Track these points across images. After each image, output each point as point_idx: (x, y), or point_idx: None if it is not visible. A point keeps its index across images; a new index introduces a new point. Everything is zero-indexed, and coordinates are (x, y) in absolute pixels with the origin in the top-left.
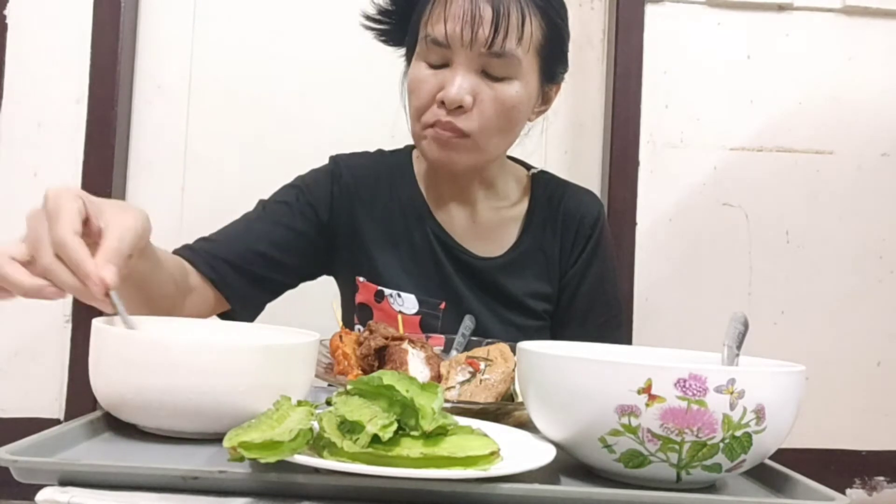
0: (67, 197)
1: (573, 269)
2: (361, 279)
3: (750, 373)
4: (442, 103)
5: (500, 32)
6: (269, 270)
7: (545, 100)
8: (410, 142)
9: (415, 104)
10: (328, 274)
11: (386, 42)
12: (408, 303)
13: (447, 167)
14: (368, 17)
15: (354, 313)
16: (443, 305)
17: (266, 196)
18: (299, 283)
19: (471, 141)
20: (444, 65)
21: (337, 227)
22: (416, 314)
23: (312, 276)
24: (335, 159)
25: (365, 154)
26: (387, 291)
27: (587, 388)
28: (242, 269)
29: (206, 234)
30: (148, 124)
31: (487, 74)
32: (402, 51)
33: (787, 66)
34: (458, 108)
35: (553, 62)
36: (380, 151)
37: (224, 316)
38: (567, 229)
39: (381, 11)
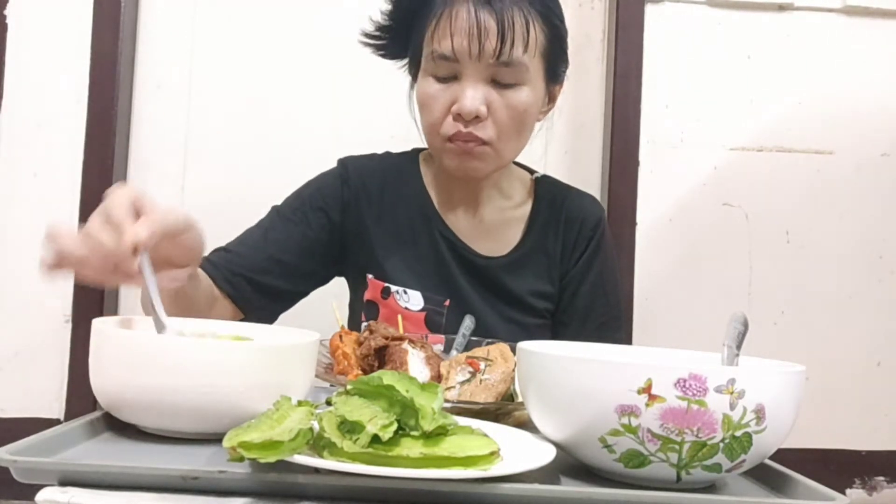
0: (126, 188)
1: (574, 270)
2: (371, 276)
3: (750, 373)
4: (458, 115)
5: (507, 42)
6: (286, 281)
7: (551, 98)
8: (412, 142)
9: (429, 119)
10: (340, 275)
11: (384, 56)
12: (413, 299)
13: (469, 176)
14: (367, 35)
15: (362, 311)
16: (447, 303)
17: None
18: (313, 290)
19: (490, 148)
20: (452, 78)
21: (347, 228)
22: (422, 311)
23: (326, 281)
24: (343, 162)
25: (372, 156)
26: (393, 288)
27: (587, 388)
28: (260, 284)
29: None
30: (148, 124)
31: (497, 83)
32: (401, 62)
33: (787, 66)
34: (475, 119)
35: (556, 62)
36: (387, 153)
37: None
38: (569, 231)
39: (380, 28)
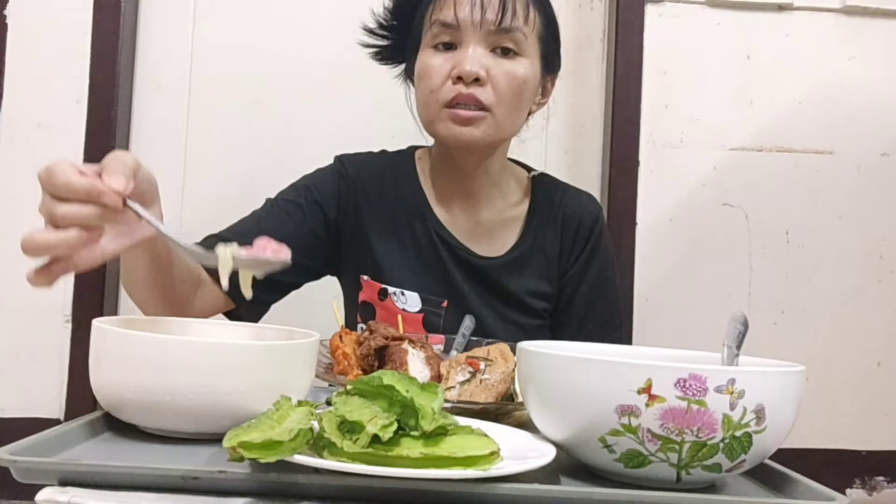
0: (57, 161)
1: (572, 270)
2: (366, 277)
3: (750, 373)
4: (458, 79)
5: (508, 10)
6: (277, 272)
7: (544, 92)
8: (412, 142)
9: (428, 87)
10: (332, 274)
11: (382, 60)
12: (411, 301)
13: (466, 144)
14: (370, 32)
15: (357, 312)
16: (445, 304)
17: (268, 195)
18: (305, 283)
19: (490, 115)
20: (453, 47)
21: (343, 225)
22: (419, 312)
23: (318, 276)
24: (341, 159)
25: (369, 154)
26: (390, 289)
27: (587, 388)
28: None
29: (205, 234)
30: (148, 124)
31: (496, 52)
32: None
33: (787, 66)
34: (475, 81)
35: (550, 52)
36: (383, 152)
37: (230, 314)
38: (566, 230)
39: (382, 27)
